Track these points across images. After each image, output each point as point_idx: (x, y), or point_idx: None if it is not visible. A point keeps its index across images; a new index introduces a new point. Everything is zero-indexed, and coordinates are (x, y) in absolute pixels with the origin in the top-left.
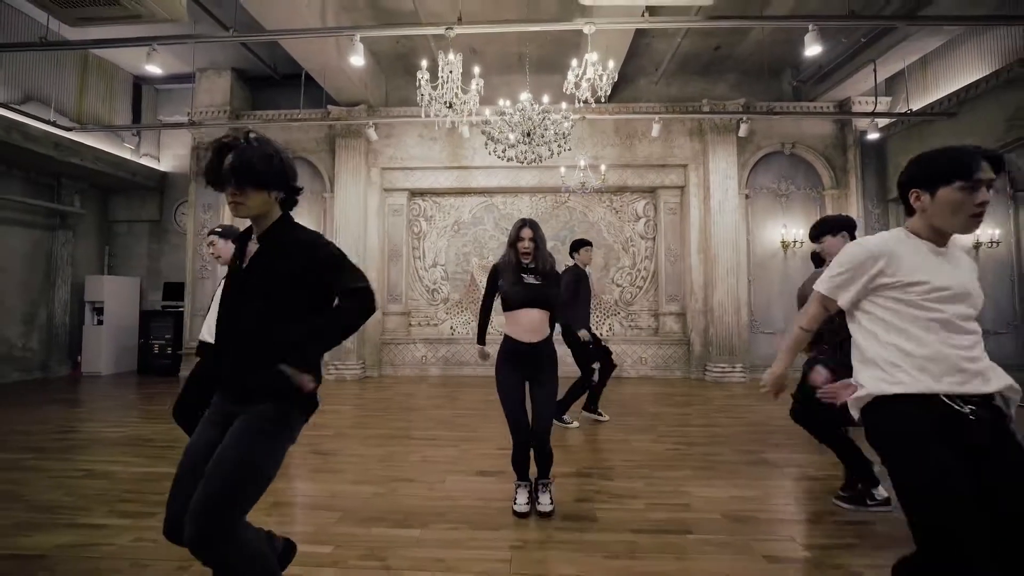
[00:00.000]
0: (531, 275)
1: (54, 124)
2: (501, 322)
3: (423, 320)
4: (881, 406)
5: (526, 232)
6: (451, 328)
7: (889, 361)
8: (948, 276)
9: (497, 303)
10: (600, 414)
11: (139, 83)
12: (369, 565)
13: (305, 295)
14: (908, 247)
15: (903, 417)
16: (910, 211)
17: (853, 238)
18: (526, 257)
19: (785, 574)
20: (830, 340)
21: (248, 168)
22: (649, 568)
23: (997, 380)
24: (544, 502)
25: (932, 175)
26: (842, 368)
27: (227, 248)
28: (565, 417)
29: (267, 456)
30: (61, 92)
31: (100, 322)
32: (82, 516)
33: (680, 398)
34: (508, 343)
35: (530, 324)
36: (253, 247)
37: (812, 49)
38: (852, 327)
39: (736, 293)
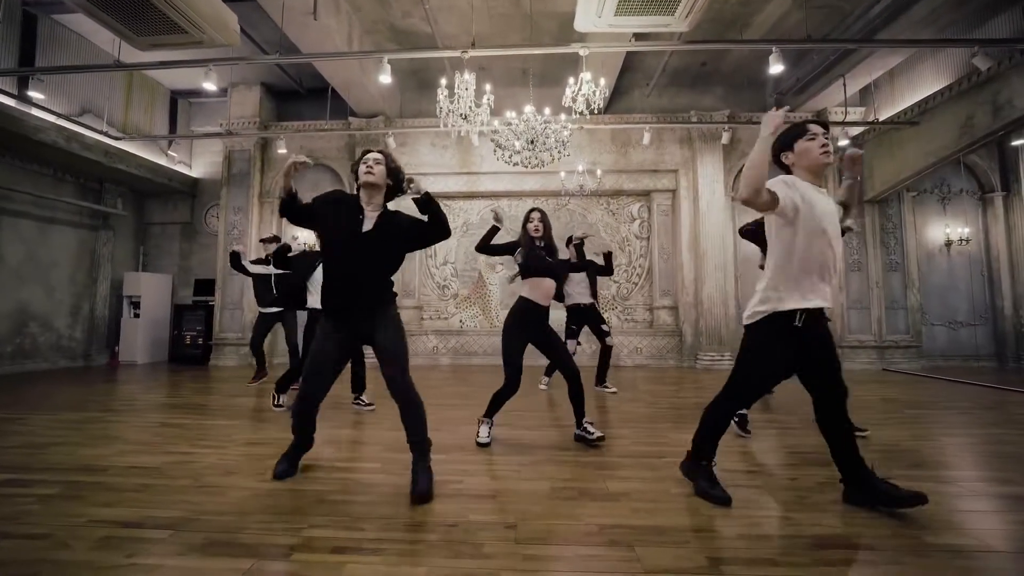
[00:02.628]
0: (544, 251)
1: (106, 134)
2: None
3: (434, 314)
4: None
5: (535, 215)
6: (460, 321)
7: None
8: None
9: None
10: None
11: (176, 97)
12: (408, 472)
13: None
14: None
15: None
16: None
17: None
18: (536, 232)
19: (734, 477)
20: None
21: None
22: (629, 474)
23: None
24: (594, 431)
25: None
26: None
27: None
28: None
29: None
30: (111, 105)
31: (137, 315)
32: (172, 447)
33: (671, 380)
34: (524, 303)
35: (548, 290)
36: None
37: (776, 68)
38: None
39: (724, 287)
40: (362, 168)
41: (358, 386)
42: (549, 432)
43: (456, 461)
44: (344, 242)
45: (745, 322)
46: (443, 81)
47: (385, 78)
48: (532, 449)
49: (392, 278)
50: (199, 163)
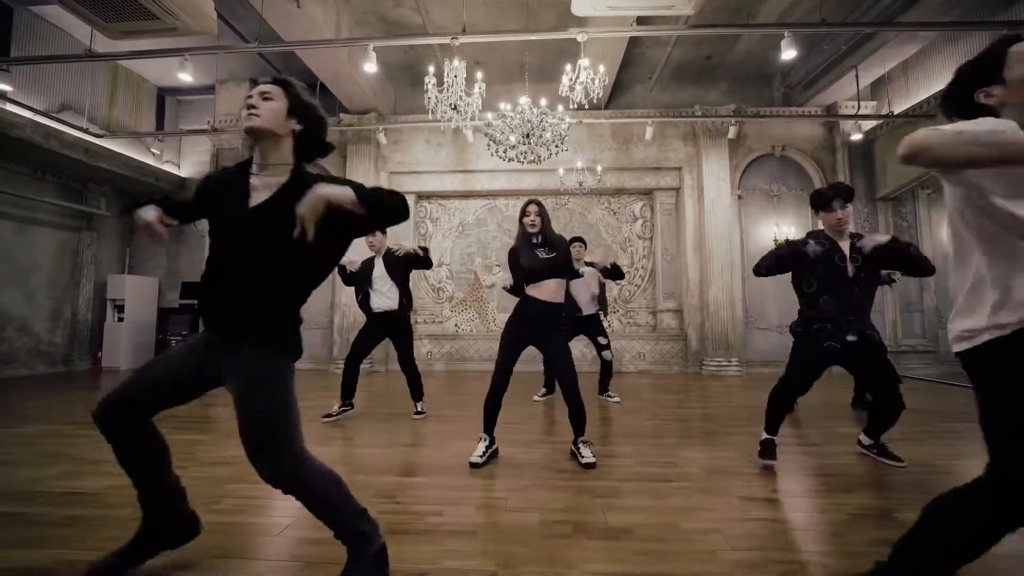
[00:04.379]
0: (542, 249)
1: (86, 131)
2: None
3: (428, 317)
4: None
5: (531, 208)
6: (455, 325)
7: None
8: None
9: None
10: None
11: (163, 94)
12: (379, 501)
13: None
14: None
15: None
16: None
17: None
18: (532, 228)
19: (755, 507)
20: None
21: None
22: (631, 503)
23: None
24: (587, 455)
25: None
26: None
27: (383, 239)
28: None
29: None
30: (94, 102)
31: (121, 319)
32: None
33: (676, 388)
34: (527, 303)
35: (551, 288)
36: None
37: (788, 53)
38: None
39: (731, 290)
40: (242, 112)
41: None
42: (543, 449)
43: (438, 487)
44: (221, 227)
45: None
46: (431, 68)
47: (371, 67)
48: (524, 470)
49: (294, 294)
50: (187, 162)
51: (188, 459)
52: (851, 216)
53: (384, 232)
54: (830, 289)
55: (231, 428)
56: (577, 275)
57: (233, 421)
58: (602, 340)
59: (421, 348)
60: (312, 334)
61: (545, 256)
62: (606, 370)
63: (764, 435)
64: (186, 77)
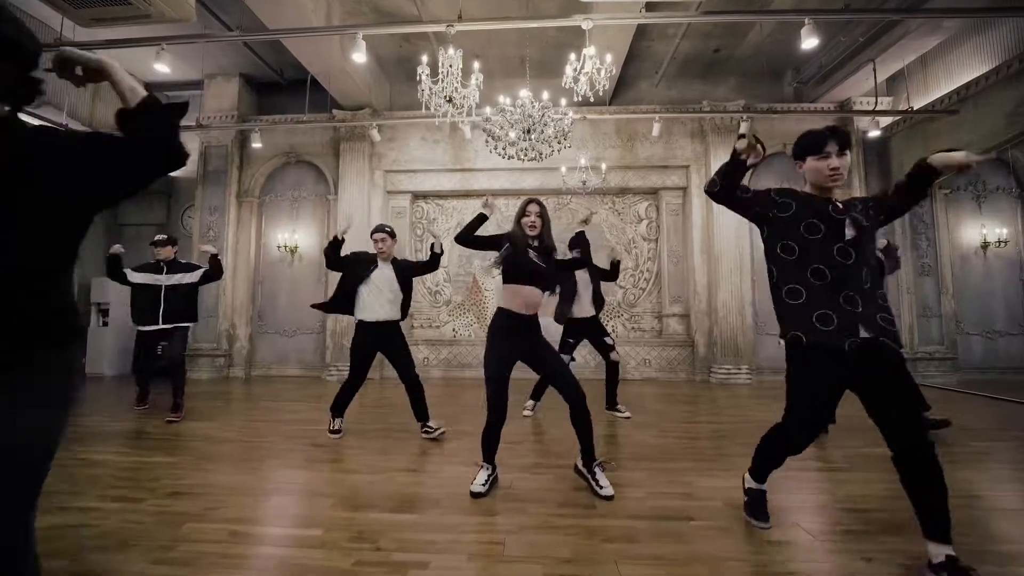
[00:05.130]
0: (536, 253)
1: (66, 127)
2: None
3: (425, 322)
4: None
5: (532, 208)
6: (453, 330)
7: None
8: None
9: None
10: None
11: (149, 89)
12: (359, 547)
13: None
14: None
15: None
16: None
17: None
18: (532, 230)
19: (790, 555)
20: None
21: None
22: (646, 551)
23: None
24: (605, 484)
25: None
26: None
27: (393, 244)
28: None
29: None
30: (75, 97)
31: (106, 323)
32: (73, 500)
33: (684, 398)
34: (504, 317)
35: (530, 299)
36: None
37: (809, 42)
38: None
39: (740, 293)
40: None
41: (421, 414)
42: (545, 476)
43: (427, 527)
44: None
45: None
46: (424, 58)
47: (359, 56)
48: (524, 504)
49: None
50: None
51: (147, 488)
52: (846, 171)
53: (394, 237)
54: (822, 255)
55: (205, 449)
56: (551, 289)
57: (207, 442)
58: (608, 340)
59: (418, 354)
60: (304, 339)
61: (536, 261)
62: (613, 375)
63: (748, 479)
64: (163, 68)
